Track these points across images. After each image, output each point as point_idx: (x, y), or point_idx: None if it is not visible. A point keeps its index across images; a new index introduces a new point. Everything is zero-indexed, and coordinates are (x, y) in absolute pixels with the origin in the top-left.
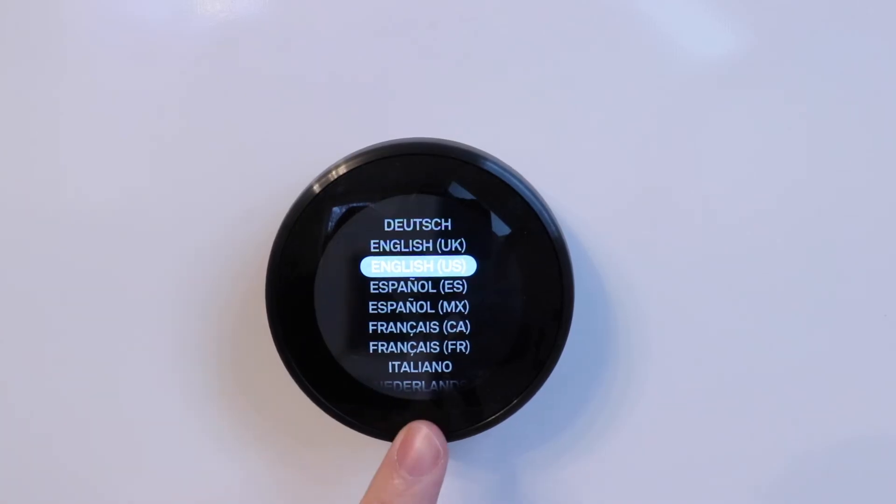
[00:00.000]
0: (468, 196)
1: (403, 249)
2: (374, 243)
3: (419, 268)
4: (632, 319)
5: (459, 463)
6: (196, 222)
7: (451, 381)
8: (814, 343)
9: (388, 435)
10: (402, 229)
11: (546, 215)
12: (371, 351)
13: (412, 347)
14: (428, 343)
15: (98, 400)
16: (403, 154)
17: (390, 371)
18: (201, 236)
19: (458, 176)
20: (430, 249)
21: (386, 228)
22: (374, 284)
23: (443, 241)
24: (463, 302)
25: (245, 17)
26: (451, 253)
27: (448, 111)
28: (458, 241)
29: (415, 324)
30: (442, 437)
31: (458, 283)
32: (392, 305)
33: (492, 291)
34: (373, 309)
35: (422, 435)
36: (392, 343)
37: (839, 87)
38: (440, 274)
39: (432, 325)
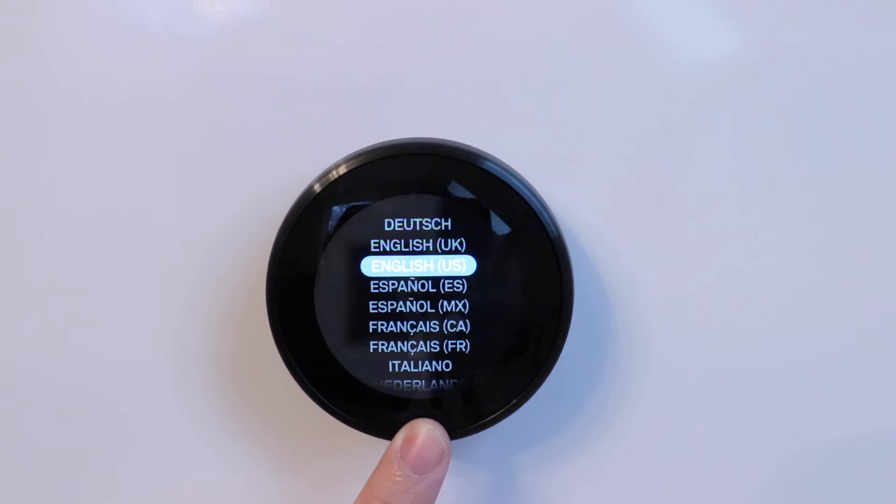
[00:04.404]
0: (468, 195)
1: (403, 249)
2: (375, 243)
3: (419, 267)
4: (631, 319)
5: (459, 462)
6: (196, 223)
7: (451, 381)
8: (814, 343)
9: (388, 434)
10: (402, 229)
11: (546, 215)
12: (371, 350)
13: (412, 347)
14: (428, 342)
15: (97, 400)
16: (403, 154)
17: (390, 370)
18: (201, 237)
19: (458, 176)
20: (430, 249)
21: (386, 228)
22: (374, 284)
23: (443, 240)
24: (463, 301)
25: (245, 18)
26: (450, 252)
27: (448, 111)
28: (458, 240)
29: (415, 323)
30: (446, 436)
31: (457, 283)
32: (392, 305)
33: (492, 291)
34: (373, 308)
35: (426, 432)
36: (392, 342)
37: (839, 87)
38: (440, 273)
39: (432, 325)
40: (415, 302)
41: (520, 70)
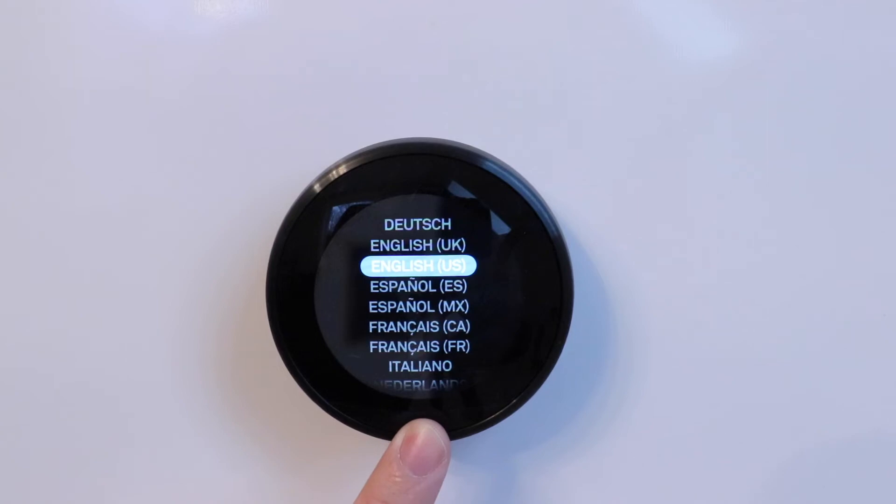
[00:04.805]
0: (468, 195)
1: (403, 249)
2: (375, 243)
3: (419, 267)
4: (631, 319)
5: (459, 462)
6: (196, 223)
7: (451, 381)
8: (814, 342)
9: (388, 434)
10: (402, 229)
11: (546, 215)
12: (371, 350)
13: (412, 347)
14: (428, 342)
15: (97, 400)
16: (403, 154)
17: (390, 370)
18: (201, 237)
19: (458, 176)
20: (430, 249)
21: (386, 228)
22: (374, 284)
23: (443, 240)
24: (463, 301)
25: (245, 18)
26: (450, 252)
27: (448, 111)
28: (458, 240)
29: (415, 323)
30: (445, 436)
31: (457, 283)
32: (392, 305)
33: (491, 291)
34: (373, 308)
35: (426, 432)
36: (392, 342)
37: (839, 87)
38: (440, 273)
39: (432, 325)
40: (415, 302)
41: (520, 70)
